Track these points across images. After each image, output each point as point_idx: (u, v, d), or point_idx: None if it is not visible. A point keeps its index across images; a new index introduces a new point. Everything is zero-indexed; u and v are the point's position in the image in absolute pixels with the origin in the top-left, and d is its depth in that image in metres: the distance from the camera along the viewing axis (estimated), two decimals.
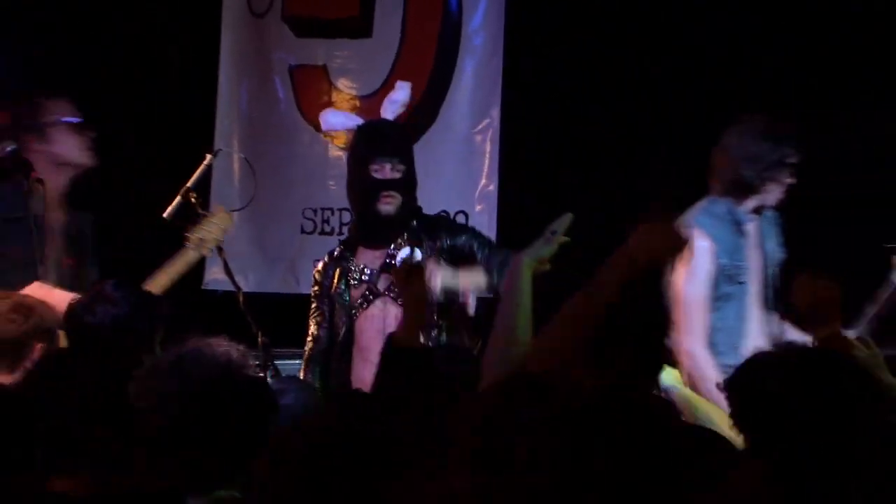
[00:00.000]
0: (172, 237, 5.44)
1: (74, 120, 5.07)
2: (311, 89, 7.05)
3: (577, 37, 6.70)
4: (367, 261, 4.99)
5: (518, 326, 3.10)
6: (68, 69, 6.87)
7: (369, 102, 6.90)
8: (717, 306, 4.67)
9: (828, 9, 6.25)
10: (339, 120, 5.68)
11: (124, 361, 3.11)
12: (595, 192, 6.04)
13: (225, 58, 7.18)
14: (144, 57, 7.20)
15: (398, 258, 4.96)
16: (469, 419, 2.31)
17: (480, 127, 6.71)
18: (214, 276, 6.48)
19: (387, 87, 6.95)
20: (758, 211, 4.72)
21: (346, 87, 6.99)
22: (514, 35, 6.75)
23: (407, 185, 4.94)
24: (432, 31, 6.86)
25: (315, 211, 7.02)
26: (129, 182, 6.96)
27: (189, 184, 4.97)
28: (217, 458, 2.75)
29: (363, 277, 4.96)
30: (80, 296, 4.28)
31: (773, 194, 4.67)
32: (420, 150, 6.11)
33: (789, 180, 4.64)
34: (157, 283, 4.69)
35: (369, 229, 5.01)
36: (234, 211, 5.97)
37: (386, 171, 4.94)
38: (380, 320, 4.93)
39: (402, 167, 4.96)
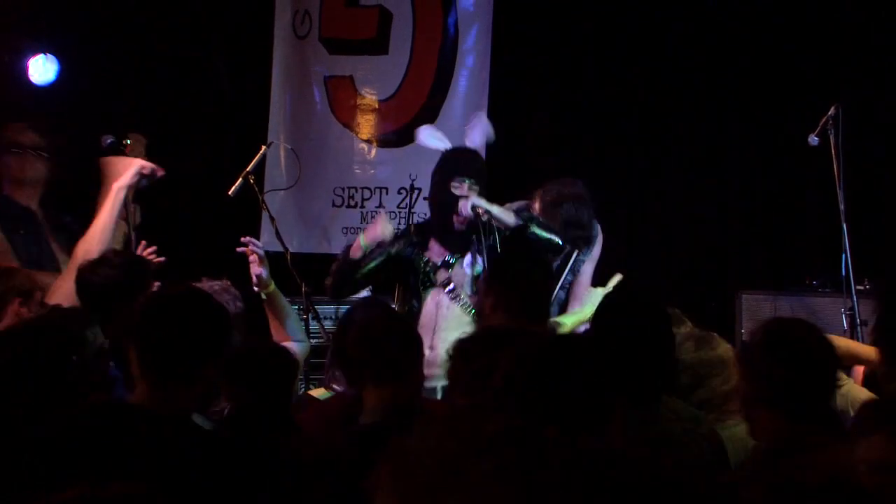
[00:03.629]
0: (232, 211, 6.29)
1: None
2: (341, 95, 7.91)
3: (551, 55, 7.56)
4: (434, 254, 5.26)
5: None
6: (155, 81, 7.76)
7: (385, 105, 7.83)
8: None
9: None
10: (429, 136, 5.69)
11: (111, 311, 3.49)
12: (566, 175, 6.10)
13: (275, 70, 8.03)
14: (215, 71, 8.07)
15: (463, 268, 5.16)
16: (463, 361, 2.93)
17: (471, 124, 6.87)
18: (268, 240, 6.47)
19: (399, 93, 7.81)
20: None
21: (368, 94, 7.87)
22: (499, 51, 7.62)
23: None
24: (434, 50, 7.72)
25: (343, 189, 7.88)
26: (204, 169, 7.74)
27: (248, 169, 5.43)
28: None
29: (426, 269, 5.24)
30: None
31: None
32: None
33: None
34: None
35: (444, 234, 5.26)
36: (280, 190, 7.08)
37: (464, 188, 5.21)
38: (431, 305, 5.20)
39: (476, 188, 5.21)
